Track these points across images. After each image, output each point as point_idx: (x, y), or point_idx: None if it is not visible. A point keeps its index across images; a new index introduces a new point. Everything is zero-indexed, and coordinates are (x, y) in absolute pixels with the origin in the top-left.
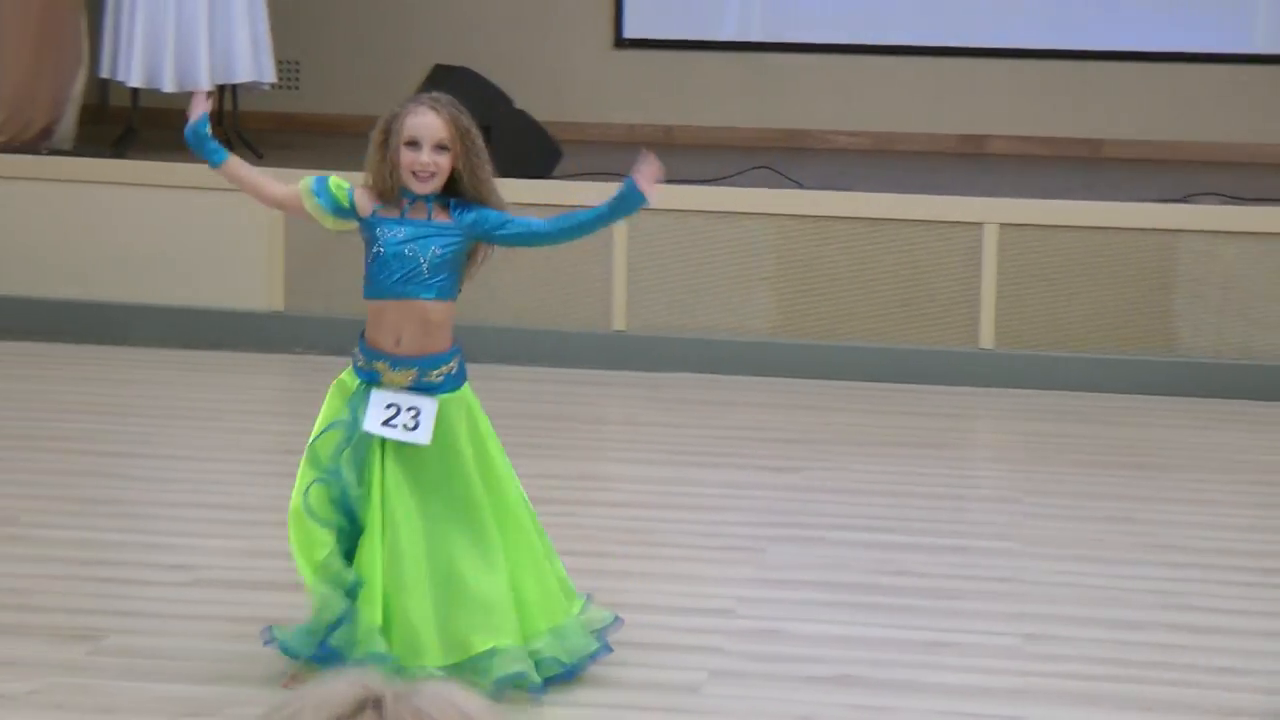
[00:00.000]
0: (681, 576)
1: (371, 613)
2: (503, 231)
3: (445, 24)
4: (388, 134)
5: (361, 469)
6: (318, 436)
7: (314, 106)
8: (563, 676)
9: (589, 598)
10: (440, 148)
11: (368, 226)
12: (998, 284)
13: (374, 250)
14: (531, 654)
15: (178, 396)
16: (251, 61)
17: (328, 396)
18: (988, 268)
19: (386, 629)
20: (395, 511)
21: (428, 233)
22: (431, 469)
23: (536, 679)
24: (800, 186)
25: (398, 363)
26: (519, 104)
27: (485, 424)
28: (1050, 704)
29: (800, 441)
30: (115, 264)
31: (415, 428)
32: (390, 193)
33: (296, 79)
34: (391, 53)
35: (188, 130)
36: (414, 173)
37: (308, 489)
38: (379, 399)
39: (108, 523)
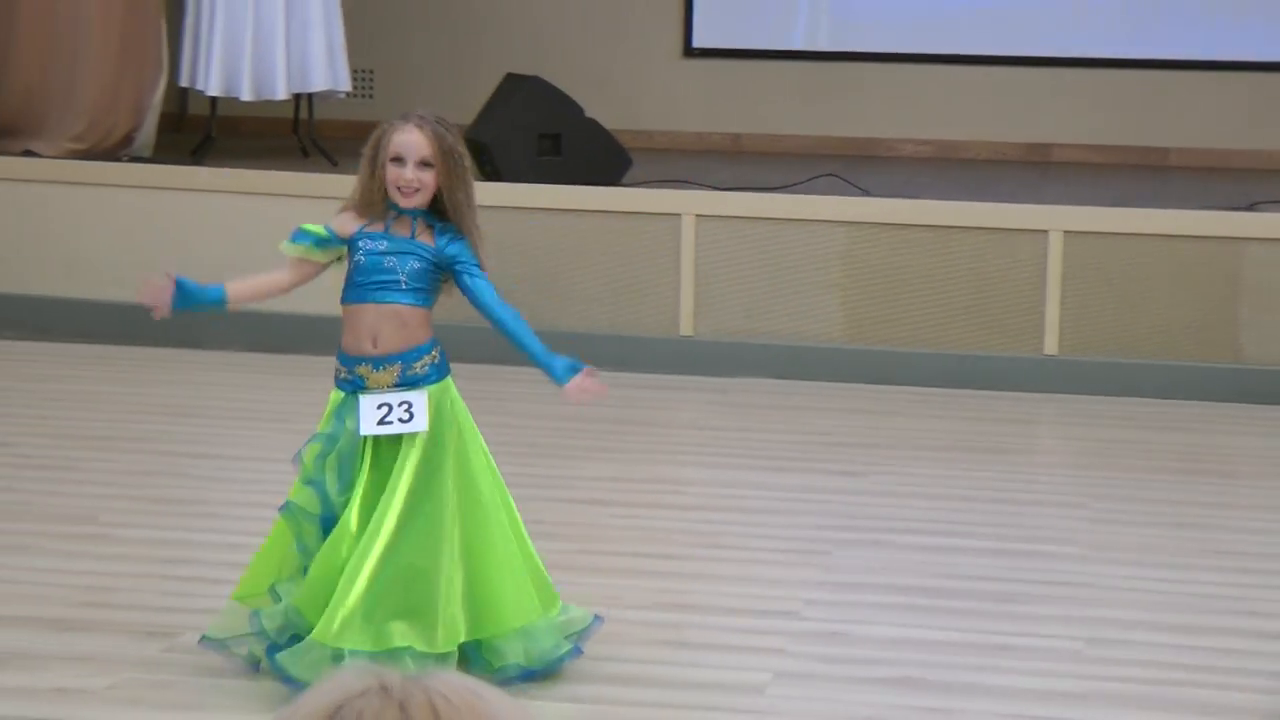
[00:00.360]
0: (747, 579)
1: (300, 595)
2: (467, 278)
3: (517, 33)
4: (377, 150)
5: (350, 476)
6: (302, 447)
7: (388, 114)
8: (521, 678)
9: (564, 605)
10: (424, 164)
11: (351, 243)
12: (1062, 291)
13: (355, 259)
14: (493, 652)
15: (255, 399)
16: (327, 70)
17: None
18: (1053, 275)
19: (319, 612)
20: (373, 507)
21: (409, 249)
22: (415, 464)
23: None
24: (867, 194)
25: (379, 362)
26: (589, 112)
27: (466, 418)
28: (1113, 708)
29: (866, 446)
30: (193, 269)
31: (410, 419)
32: (376, 207)
33: (371, 87)
34: (464, 61)
35: (177, 305)
36: (399, 188)
37: (289, 502)
38: (369, 403)
39: (186, 522)
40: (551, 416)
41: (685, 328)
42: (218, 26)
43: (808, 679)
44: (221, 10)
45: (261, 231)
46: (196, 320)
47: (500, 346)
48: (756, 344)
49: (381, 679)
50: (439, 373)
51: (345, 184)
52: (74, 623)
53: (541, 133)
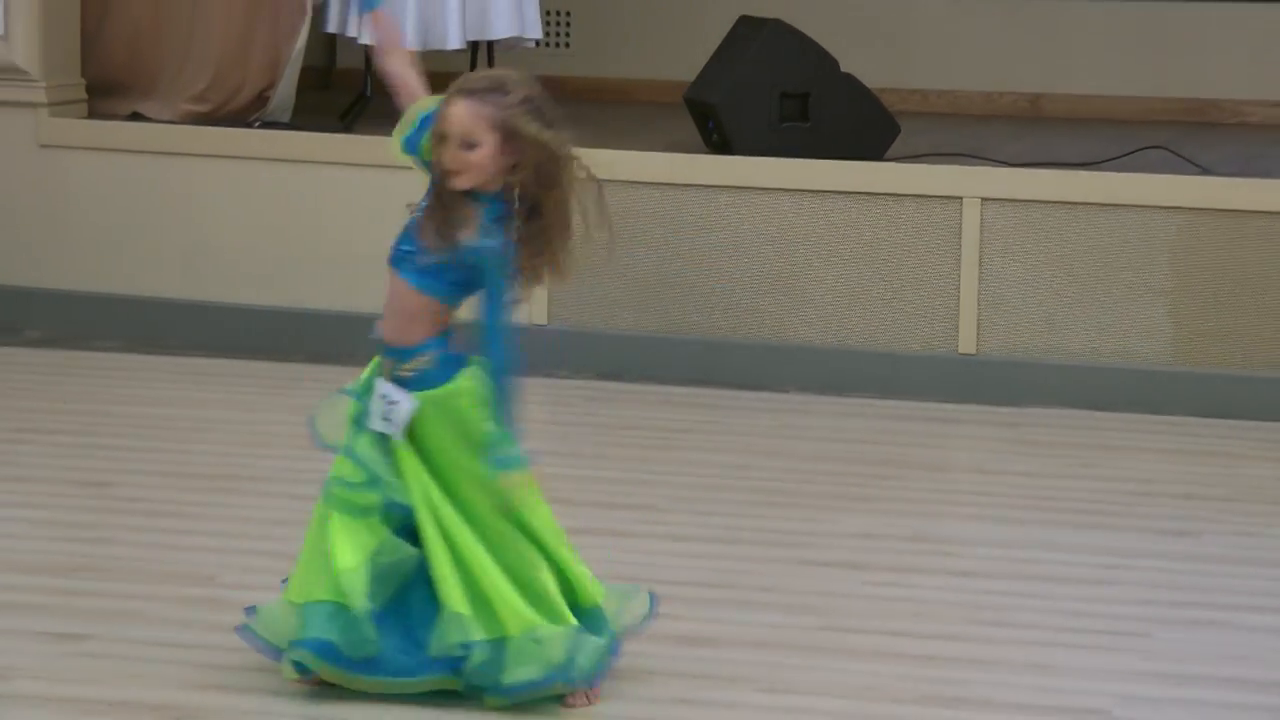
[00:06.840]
0: (1042, 666)
1: None
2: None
3: None
4: None
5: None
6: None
7: (588, 68)
8: None
9: None
10: (468, 145)
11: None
12: None
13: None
14: None
15: None
16: (512, 13)
17: None
18: None
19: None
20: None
21: None
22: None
23: None
24: (1205, 172)
25: (382, 349)
26: (845, 66)
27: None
28: None
29: (1200, 498)
30: (342, 259)
31: (388, 423)
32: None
33: (567, 34)
34: (686, 0)
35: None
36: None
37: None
38: (377, 389)
39: None
40: (791, 455)
41: (965, 343)
42: None
43: None
44: None
45: None
46: (354, 328)
47: (724, 365)
48: (1057, 365)
49: None
50: (423, 383)
51: None
52: (188, 710)
53: (784, 92)
